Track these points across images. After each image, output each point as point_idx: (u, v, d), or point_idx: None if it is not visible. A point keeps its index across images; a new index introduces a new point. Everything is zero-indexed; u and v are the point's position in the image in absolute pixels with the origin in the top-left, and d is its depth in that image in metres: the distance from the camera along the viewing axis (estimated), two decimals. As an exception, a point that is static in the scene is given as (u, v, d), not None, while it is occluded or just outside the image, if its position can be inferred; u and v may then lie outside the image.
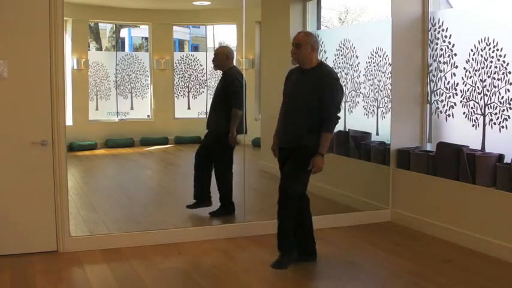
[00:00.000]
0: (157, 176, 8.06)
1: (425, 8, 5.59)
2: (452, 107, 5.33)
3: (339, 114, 4.30)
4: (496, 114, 4.85)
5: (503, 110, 4.78)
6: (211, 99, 5.79)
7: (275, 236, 4.31)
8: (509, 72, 4.71)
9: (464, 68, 5.17)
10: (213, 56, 5.67)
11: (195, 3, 8.15)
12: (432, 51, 5.58)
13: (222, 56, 5.57)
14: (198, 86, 8.27)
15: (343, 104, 6.57)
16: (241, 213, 5.43)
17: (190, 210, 5.59)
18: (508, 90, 4.73)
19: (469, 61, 5.11)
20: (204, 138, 5.81)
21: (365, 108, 6.35)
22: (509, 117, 4.73)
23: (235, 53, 5.98)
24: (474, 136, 5.06)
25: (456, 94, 5.28)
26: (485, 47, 4.93)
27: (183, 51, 8.76)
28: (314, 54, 4.31)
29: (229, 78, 5.53)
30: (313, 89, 4.23)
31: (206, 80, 8.28)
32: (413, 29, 5.60)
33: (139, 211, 5.96)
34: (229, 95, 5.46)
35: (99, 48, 8.66)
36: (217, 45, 8.15)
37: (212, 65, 5.75)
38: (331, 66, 6.55)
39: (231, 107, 5.44)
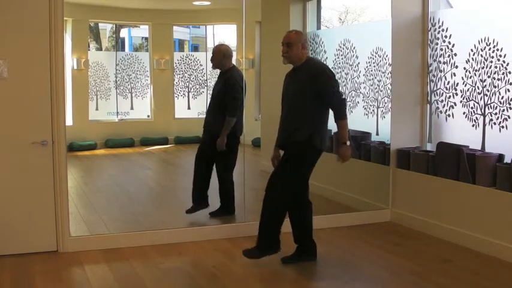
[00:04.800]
0: (157, 176, 8.06)
1: (425, 8, 5.58)
2: (452, 107, 5.33)
3: (343, 97, 4.35)
4: (496, 114, 4.85)
5: (503, 110, 4.78)
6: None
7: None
8: (509, 72, 4.71)
9: (464, 68, 5.17)
10: (211, 55, 5.64)
11: (195, 3, 8.16)
12: (432, 51, 5.57)
13: (219, 54, 5.51)
14: (198, 86, 8.28)
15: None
16: (241, 213, 5.43)
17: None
18: (508, 90, 4.73)
19: (469, 61, 5.11)
20: (202, 140, 5.74)
21: (365, 108, 6.35)
22: (509, 117, 4.73)
23: (234, 53, 5.96)
24: (474, 136, 5.06)
25: (456, 94, 5.28)
26: (485, 47, 4.93)
27: (183, 51, 8.78)
28: (304, 52, 4.32)
29: (230, 81, 5.42)
30: (303, 83, 4.24)
31: (206, 80, 8.28)
32: (413, 29, 5.60)
33: (139, 211, 5.96)
34: (226, 99, 5.40)
35: (99, 48, 8.67)
36: (217, 46, 8.15)
37: (211, 64, 5.72)
38: (331, 66, 6.60)
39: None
